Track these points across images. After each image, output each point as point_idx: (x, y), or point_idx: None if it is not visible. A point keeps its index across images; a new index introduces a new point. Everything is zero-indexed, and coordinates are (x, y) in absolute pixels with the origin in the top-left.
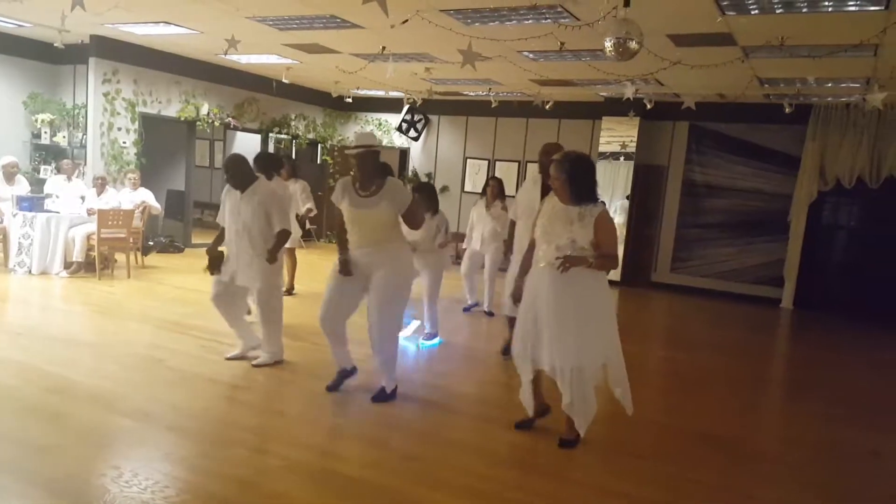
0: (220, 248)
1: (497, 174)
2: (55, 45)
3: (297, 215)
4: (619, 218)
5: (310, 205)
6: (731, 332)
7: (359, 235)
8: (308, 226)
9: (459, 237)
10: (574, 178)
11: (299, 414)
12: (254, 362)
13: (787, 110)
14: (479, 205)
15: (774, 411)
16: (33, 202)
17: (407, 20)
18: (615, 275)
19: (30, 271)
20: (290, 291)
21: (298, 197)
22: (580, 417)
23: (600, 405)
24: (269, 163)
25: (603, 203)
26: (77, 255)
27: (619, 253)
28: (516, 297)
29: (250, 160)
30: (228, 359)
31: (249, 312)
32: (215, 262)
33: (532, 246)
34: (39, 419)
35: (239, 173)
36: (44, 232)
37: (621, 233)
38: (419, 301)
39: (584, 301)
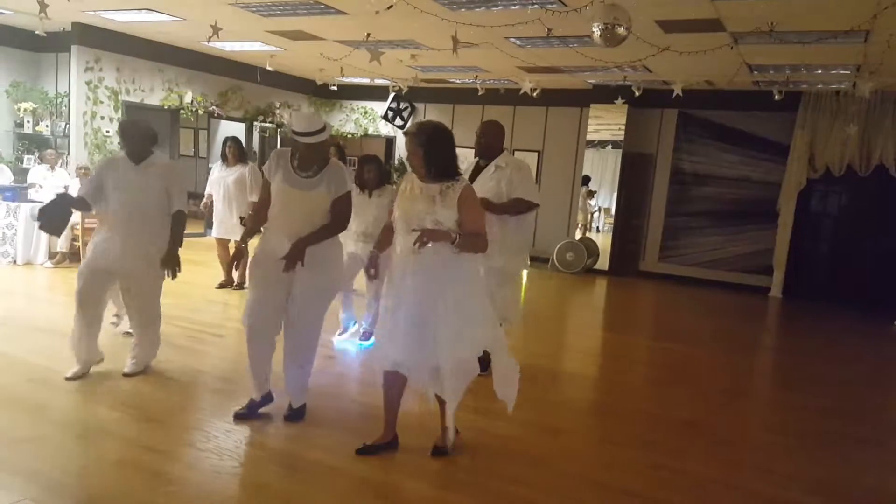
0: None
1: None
2: (36, 32)
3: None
4: (599, 201)
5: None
6: (720, 321)
7: (287, 221)
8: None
9: None
10: (430, 152)
11: (284, 405)
12: (125, 370)
13: (776, 97)
14: None
15: (761, 401)
16: (16, 192)
17: (392, 6)
18: (602, 264)
19: (14, 261)
20: (241, 286)
21: (248, 184)
22: (453, 411)
23: (585, 395)
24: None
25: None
26: (61, 246)
27: (607, 242)
28: (369, 273)
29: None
30: (68, 378)
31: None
32: (54, 218)
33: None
34: (21, 410)
35: (139, 141)
36: (28, 222)
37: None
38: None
39: (453, 288)
